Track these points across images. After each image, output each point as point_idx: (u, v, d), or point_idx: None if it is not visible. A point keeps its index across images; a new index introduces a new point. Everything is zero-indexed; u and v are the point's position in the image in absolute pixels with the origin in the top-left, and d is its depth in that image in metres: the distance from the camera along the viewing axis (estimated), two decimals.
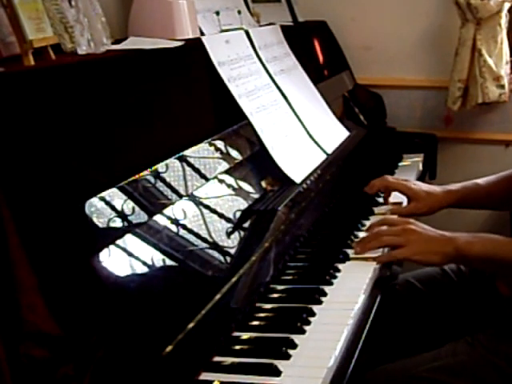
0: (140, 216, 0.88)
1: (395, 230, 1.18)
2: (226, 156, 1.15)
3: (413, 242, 1.15)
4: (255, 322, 0.97)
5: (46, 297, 0.70)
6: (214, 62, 1.26)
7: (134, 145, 0.98)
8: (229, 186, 1.12)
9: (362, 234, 1.25)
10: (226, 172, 1.13)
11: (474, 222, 2.05)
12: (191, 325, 0.83)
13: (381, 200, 1.47)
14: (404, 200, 1.44)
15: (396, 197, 1.45)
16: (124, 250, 0.82)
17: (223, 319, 0.92)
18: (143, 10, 1.35)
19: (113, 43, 1.16)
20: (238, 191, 1.13)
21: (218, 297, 0.91)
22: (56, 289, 0.71)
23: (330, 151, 1.52)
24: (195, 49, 1.25)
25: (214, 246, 0.98)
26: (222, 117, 1.24)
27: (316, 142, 1.49)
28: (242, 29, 1.46)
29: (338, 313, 0.98)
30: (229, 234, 1.03)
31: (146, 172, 0.94)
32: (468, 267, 1.19)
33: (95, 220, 0.81)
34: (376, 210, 1.43)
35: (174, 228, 0.93)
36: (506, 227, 1.93)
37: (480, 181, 1.43)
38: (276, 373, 0.83)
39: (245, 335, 0.93)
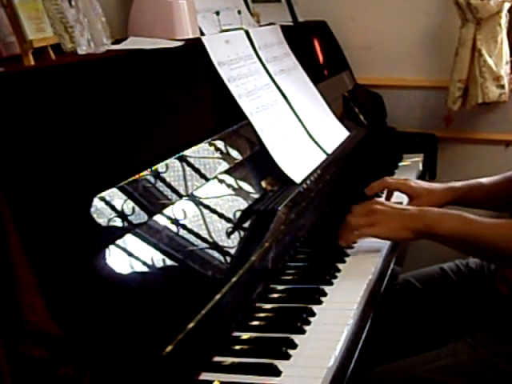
0: (140, 216, 0.88)
1: (362, 211, 1.18)
2: (225, 156, 1.15)
3: (381, 220, 1.15)
4: (255, 322, 0.97)
5: (46, 297, 0.70)
6: (214, 62, 1.26)
7: (134, 145, 0.98)
8: (229, 185, 1.12)
9: None
10: (226, 172, 1.13)
11: None
12: (191, 325, 0.83)
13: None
14: (404, 200, 1.44)
15: (396, 197, 1.45)
16: (124, 250, 0.82)
17: (223, 319, 0.92)
18: (143, 10, 1.35)
19: (113, 43, 1.16)
20: (238, 191, 1.13)
21: (217, 297, 0.91)
22: (56, 289, 0.71)
23: (330, 151, 1.51)
24: (195, 49, 1.25)
25: (214, 245, 0.98)
26: (222, 117, 1.24)
27: (316, 142, 1.49)
28: (242, 29, 1.46)
29: (338, 313, 0.98)
30: (229, 234, 1.03)
31: (146, 172, 0.94)
32: (438, 243, 1.18)
33: (95, 220, 0.81)
34: None
35: (174, 228, 0.93)
36: None
37: (483, 180, 1.42)
38: (276, 373, 0.83)
39: (245, 335, 0.93)
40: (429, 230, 1.14)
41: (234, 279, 0.96)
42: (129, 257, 0.82)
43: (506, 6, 1.89)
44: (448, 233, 1.13)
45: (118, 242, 0.82)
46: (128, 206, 0.87)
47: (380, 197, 1.48)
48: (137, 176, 0.92)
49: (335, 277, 1.10)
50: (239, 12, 1.58)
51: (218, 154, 1.14)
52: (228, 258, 0.99)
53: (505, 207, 1.48)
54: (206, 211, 1.02)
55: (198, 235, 0.96)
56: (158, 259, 0.86)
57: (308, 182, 1.33)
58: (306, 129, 1.48)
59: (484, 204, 1.46)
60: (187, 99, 1.17)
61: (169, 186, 0.97)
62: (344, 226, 1.21)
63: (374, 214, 1.16)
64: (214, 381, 0.82)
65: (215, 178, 1.09)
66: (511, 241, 1.10)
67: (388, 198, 1.45)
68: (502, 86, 1.93)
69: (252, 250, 1.05)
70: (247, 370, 0.84)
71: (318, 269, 1.14)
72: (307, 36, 1.92)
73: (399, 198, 1.45)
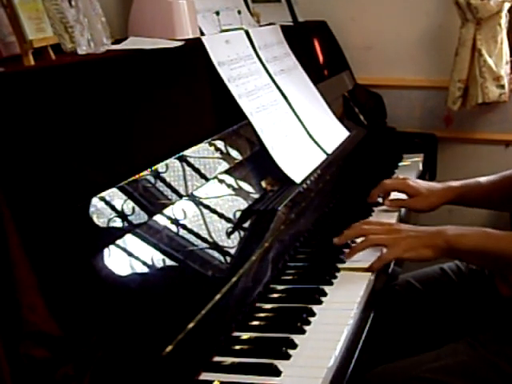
0: (140, 216, 0.88)
1: (381, 230, 1.16)
2: (225, 156, 1.15)
3: (401, 239, 1.13)
4: (255, 322, 0.97)
5: (46, 297, 0.70)
6: (214, 62, 1.26)
7: (134, 145, 0.98)
8: (229, 186, 1.12)
9: None
10: (226, 172, 1.13)
11: (474, 223, 2.04)
12: (191, 325, 0.83)
13: (380, 200, 1.47)
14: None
15: (396, 196, 1.46)
16: (124, 250, 0.82)
17: (223, 319, 0.92)
18: (143, 9, 1.35)
19: (113, 43, 1.16)
20: (238, 191, 1.13)
21: (218, 297, 0.91)
22: (56, 289, 0.71)
23: (330, 151, 1.51)
24: (195, 49, 1.25)
25: (214, 245, 0.98)
26: (222, 117, 1.24)
27: (316, 142, 1.49)
28: (242, 29, 1.46)
29: (338, 313, 0.98)
30: (229, 234, 1.03)
31: (146, 172, 0.94)
32: (460, 261, 1.15)
33: (95, 220, 0.81)
34: (376, 209, 1.43)
35: (174, 228, 0.93)
36: (507, 229, 1.93)
37: (482, 179, 1.43)
38: (276, 373, 0.83)
39: (245, 335, 0.93)
40: (450, 247, 1.11)
41: (233, 279, 0.96)
42: (129, 257, 0.82)
43: (506, 5, 1.89)
44: (469, 249, 1.11)
45: (118, 242, 0.82)
46: (128, 206, 0.87)
47: (380, 196, 1.47)
48: (137, 176, 0.92)
49: (335, 277, 1.10)
50: (239, 12, 1.58)
51: (218, 154, 1.14)
52: (228, 258, 0.99)
53: (503, 206, 1.48)
54: (206, 211, 1.02)
55: (198, 235, 0.96)
56: (157, 259, 0.86)
57: (308, 182, 1.33)
58: (306, 129, 1.48)
59: (482, 203, 1.46)
60: (187, 99, 1.17)
61: (169, 186, 0.97)
62: (361, 242, 1.16)
63: (393, 234, 1.14)
64: (213, 381, 0.82)
65: (215, 178, 1.09)
66: None
67: (384, 198, 1.45)
68: (502, 86, 1.93)
69: (252, 250, 1.05)
70: (247, 369, 0.84)
71: (318, 269, 1.14)
72: (307, 36, 1.92)
73: (398, 197, 1.45)
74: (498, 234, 1.13)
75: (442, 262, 1.46)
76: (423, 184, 1.43)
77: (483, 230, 1.14)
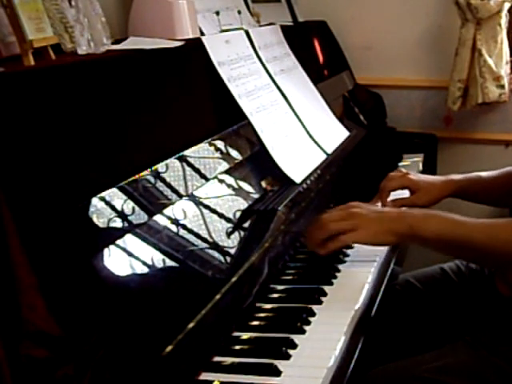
0: (140, 216, 0.88)
1: (340, 215, 1.11)
2: (225, 156, 1.15)
3: (361, 224, 1.08)
4: (255, 322, 0.97)
5: (45, 297, 0.70)
6: (214, 62, 1.26)
7: (134, 145, 0.98)
8: (229, 186, 1.12)
9: None
10: (226, 172, 1.13)
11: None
12: (191, 325, 0.83)
13: None
14: (405, 194, 1.45)
15: (397, 195, 1.46)
16: (124, 250, 0.82)
17: (223, 319, 0.92)
18: (143, 10, 1.35)
19: (113, 43, 1.16)
20: (238, 191, 1.13)
21: (217, 297, 0.91)
22: (56, 289, 0.71)
23: (330, 151, 1.51)
24: (195, 49, 1.25)
25: (214, 245, 0.98)
26: (222, 117, 1.24)
27: (316, 142, 1.49)
28: (241, 29, 1.46)
29: (338, 313, 0.98)
30: (229, 234, 1.03)
31: (146, 172, 0.94)
32: (424, 246, 1.11)
33: (95, 220, 0.81)
34: None
35: (174, 228, 0.93)
36: None
37: (483, 173, 1.42)
38: (276, 373, 0.83)
39: (245, 335, 0.93)
40: (413, 233, 1.08)
41: (233, 279, 0.96)
42: (129, 257, 0.82)
43: (506, 6, 1.89)
44: (434, 235, 1.07)
45: (118, 242, 0.82)
46: (128, 206, 0.87)
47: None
48: (137, 176, 0.92)
49: (335, 277, 1.10)
50: (239, 12, 1.58)
51: (218, 154, 1.14)
52: (228, 258, 0.99)
53: (503, 202, 1.48)
54: (206, 211, 1.02)
55: (198, 235, 0.96)
56: (157, 259, 0.86)
57: (308, 181, 1.33)
58: (306, 129, 1.48)
59: (483, 198, 1.46)
60: (187, 99, 1.17)
61: (169, 186, 0.97)
62: (320, 231, 1.12)
63: (353, 218, 1.10)
64: (213, 381, 0.82)
65: (215, 178, 1.09)
66: (506, 242, 1.05)
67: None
68: (502, 86, 1.94)
69: (252, 250, 1.05)
70: (247, 369, 0.84)
71: (318, 269, 1.14)
72: (307, 36, 1.92)
73: (399, 195, 1.46)
74: (463, 221, 1.08)
75: (441, 261, 1.46)
76: (424, 178, 1.43)
77: (447, 214, 1.09)
